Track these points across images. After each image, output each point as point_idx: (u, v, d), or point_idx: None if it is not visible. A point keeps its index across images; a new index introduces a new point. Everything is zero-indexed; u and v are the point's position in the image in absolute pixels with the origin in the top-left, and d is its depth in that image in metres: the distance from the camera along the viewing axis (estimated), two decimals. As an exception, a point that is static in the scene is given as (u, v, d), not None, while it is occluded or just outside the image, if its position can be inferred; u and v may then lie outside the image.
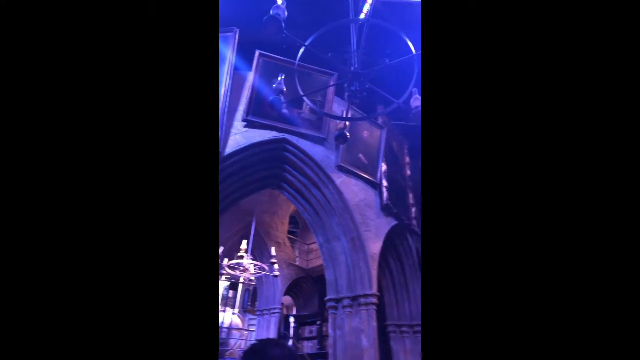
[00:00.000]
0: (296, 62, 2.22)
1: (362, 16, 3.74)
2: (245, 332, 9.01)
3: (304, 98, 2.42)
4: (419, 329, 5.05)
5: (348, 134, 2.83)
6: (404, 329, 5.05)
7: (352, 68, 2.35)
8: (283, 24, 2.04)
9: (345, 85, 2.32)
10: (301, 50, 2.14)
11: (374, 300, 4.16)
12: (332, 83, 4.33)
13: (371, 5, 3.95)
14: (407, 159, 6.19)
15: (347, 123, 2.84)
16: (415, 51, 2.22)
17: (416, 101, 2.59)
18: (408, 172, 6.07)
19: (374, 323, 4.04)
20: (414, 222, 5.62)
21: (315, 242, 5.93)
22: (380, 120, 5.31)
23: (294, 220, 9.30)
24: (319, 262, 6.96)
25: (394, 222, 5.09)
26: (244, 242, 5.93)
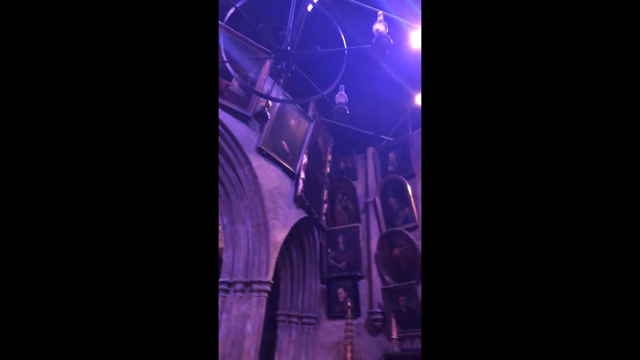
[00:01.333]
0: (224, 22, 2.06)
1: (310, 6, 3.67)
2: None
3: (227, 65, 2.26)
4: (307, 320, 5.19)
5: (269, 114, 2.74)
6: (293, 319, 5.14)
7: (283, 46, 2.27)
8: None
9: (272, 62, 2.23)
10: (231, 10, 1.98)
11: (267, 287, 4.14)
12: (267, 63, 4.18)
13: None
14: (330, 157, 6.33)
15: (270, 103, 2.75)
16: (346, 47, 2.24)
17: (341, 97, 2.62)
18: (328, 169, 6.20)
19: (263, 310, 4.02)
20: (324, 218, 5.76)
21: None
22: (310, 114, 5.31)
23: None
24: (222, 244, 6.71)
25: (303, 215, 5.15)
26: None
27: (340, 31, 2.14)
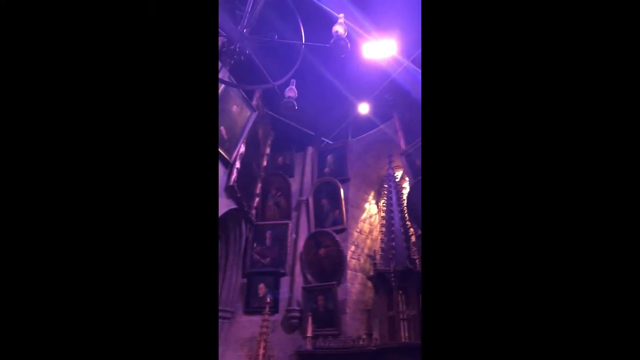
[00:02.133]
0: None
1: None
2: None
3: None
4: (223, 314, 5.02)
5: (212, 95, 2.59)
6: (208, 312, 4.93)
7: (239, 27, 2.16)
8: None
9: (226, 41, 2.11)
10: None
11: (185, 278, 3.91)
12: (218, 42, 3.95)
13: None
14: (268, 150, 6.23)
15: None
16: (304, 42, 2.22)
17: (290, 92, 2.58)
18: (265, 162, 6.09)
19: (177, 301, 3.78)
20: (254, 211, 5.64)
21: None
22: (254, 103, 5.16)
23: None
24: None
25: (233, 206, 4.97)
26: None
27: (301, 24, 2.11)
